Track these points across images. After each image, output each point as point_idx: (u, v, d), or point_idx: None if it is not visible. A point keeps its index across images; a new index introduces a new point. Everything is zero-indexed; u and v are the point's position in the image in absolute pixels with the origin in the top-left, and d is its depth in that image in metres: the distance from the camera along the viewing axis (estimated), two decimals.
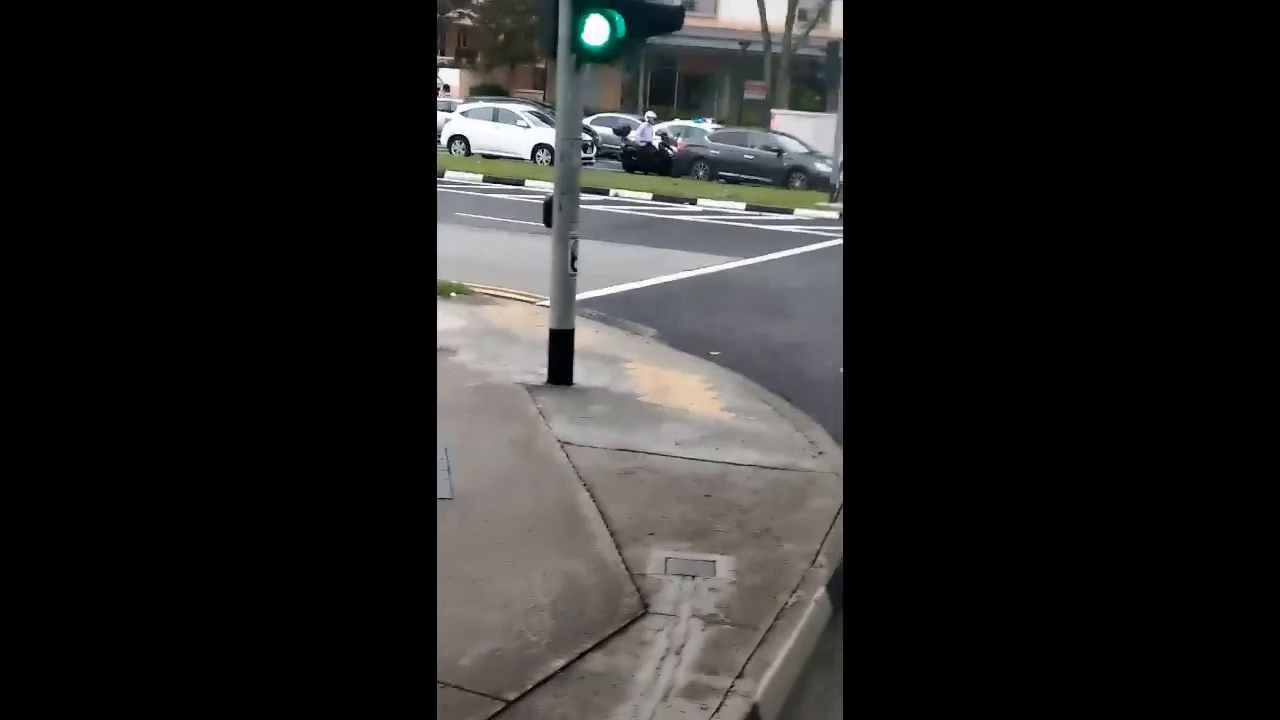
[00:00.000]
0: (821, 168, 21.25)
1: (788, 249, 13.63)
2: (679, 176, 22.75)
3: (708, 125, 25.97)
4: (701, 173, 23.04)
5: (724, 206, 18.26)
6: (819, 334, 8.29)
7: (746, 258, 12.41)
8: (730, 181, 22.53)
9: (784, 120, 27.46)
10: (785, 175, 22.53)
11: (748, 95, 44.35)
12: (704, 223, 16.00)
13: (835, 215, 18.08)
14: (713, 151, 23.28)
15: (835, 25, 47.57)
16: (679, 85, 49.79)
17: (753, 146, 23.33)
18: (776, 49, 35.58)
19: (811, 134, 26.26)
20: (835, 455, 5.18)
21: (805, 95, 42.98)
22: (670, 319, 8.42)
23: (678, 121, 27.22)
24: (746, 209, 18.23)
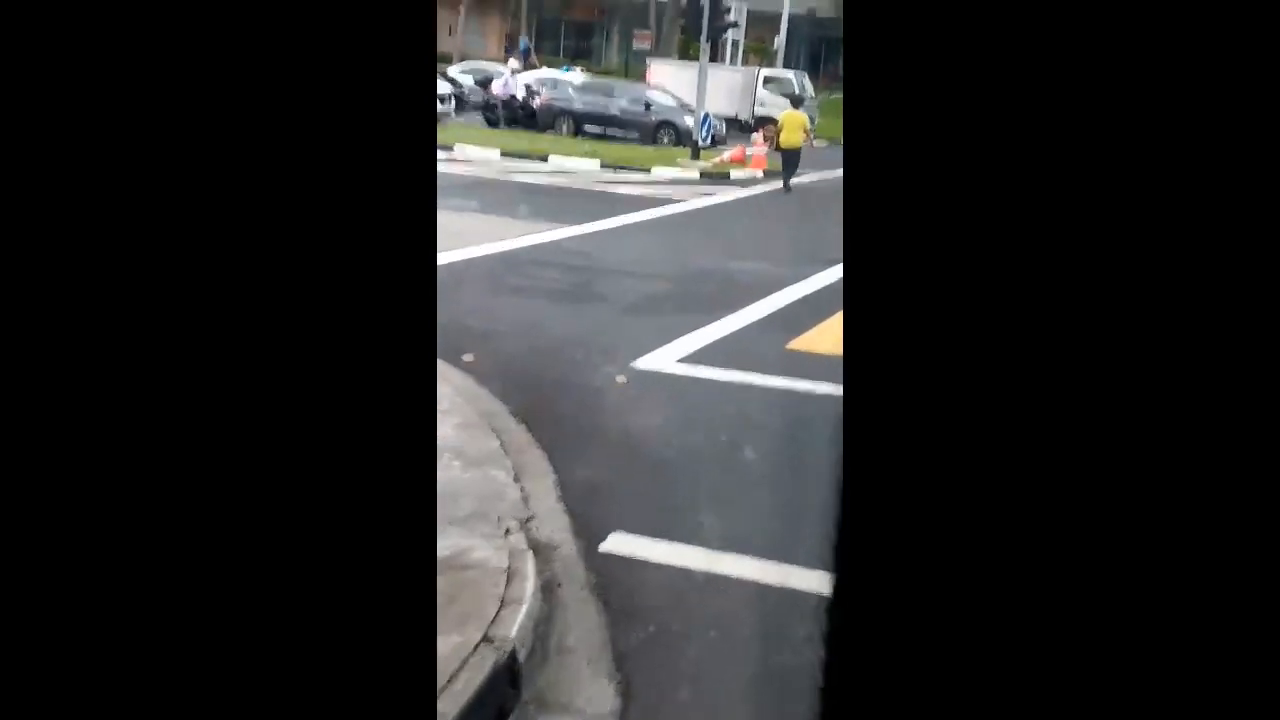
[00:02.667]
0: (690, 122, 19.92)
1: (632, 213, 12.32)
2: (544, 131, 21.22)
3: (576, 76, 24.35)
4: (565, 127, 21.52)
5: (577, 165, 16.83)
6: (610, 328, 6.99)
7: (580, 224, 11.07)
8: (599, 137, 21.10)
9: (662, 71, 25.99)
10: (653, 130, 21.15)
11: (636, 45, 42.80)
12: (547, 184, 14.56)
13: (695, 175, 16.81)
14: (577, 105, 21.72)
15: None
16: (565, 33, 47.92)
17: (620, 99, 21.85)
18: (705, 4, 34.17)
19: (690, 86, 24.97)
20: (542, 526, 3.90)
21: (694, 45, 41.69)
22: (440, 310, 7.05)
23: (545, 71, 25.51)
24: (601, 167, 16.84)
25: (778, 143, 16.47)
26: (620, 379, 5.86)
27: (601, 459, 4.72)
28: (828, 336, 7.08)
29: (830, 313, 7.78)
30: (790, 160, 16.00)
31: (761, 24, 37.38)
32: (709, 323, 7.21)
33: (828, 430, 5.20)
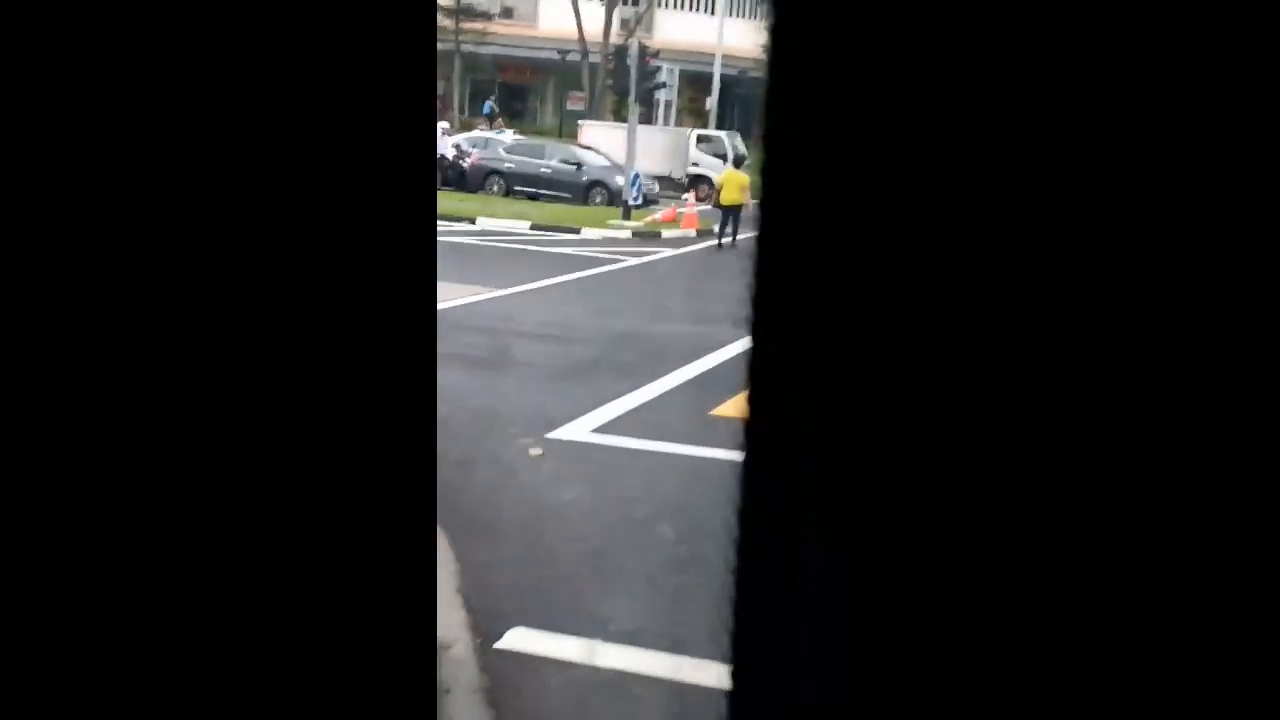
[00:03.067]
0: (622, 181, 19.84)
1: (559, 275, 12.09)
2: (474, 192, 21.00)
3: (507, 136, 24.24)
4: (496, 188, 21.32)
5: (506, 226, 16.61)
6: (526, 396, 6.69)
7: (505, 287, 10.80)
8: (531, 198, 20.92)
9: (594, 132, 26.00)
10: (585, 190, 21.03)
11: (569, 106, 43.01)
12: (472, 245, 14.29)
13: (627, 235, 16.66)
14: (508, 165, 21.55)
15: (658, 34, 46.97)
16: (499, 95, 48.02)
17: (551, 159, 21.73)
18: (596, 58, 34.23)
19: (622, 146, 25.00)
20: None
21: (628, 105, 42.02)
22: None
23: (477, 132, 25.39)
24: (531, 228, 16.63)
25: (718, 200, 16.52)
26: (534, 451, 5.56)
27: (507, 542, 4.39)
28: None
29: None
30: (730, 218, 16.07)
31: (695, 85, 37.77)
32: (632, 389, 6.95)
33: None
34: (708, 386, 7.20)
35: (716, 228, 16.28)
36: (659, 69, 17.54)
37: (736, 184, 16.67)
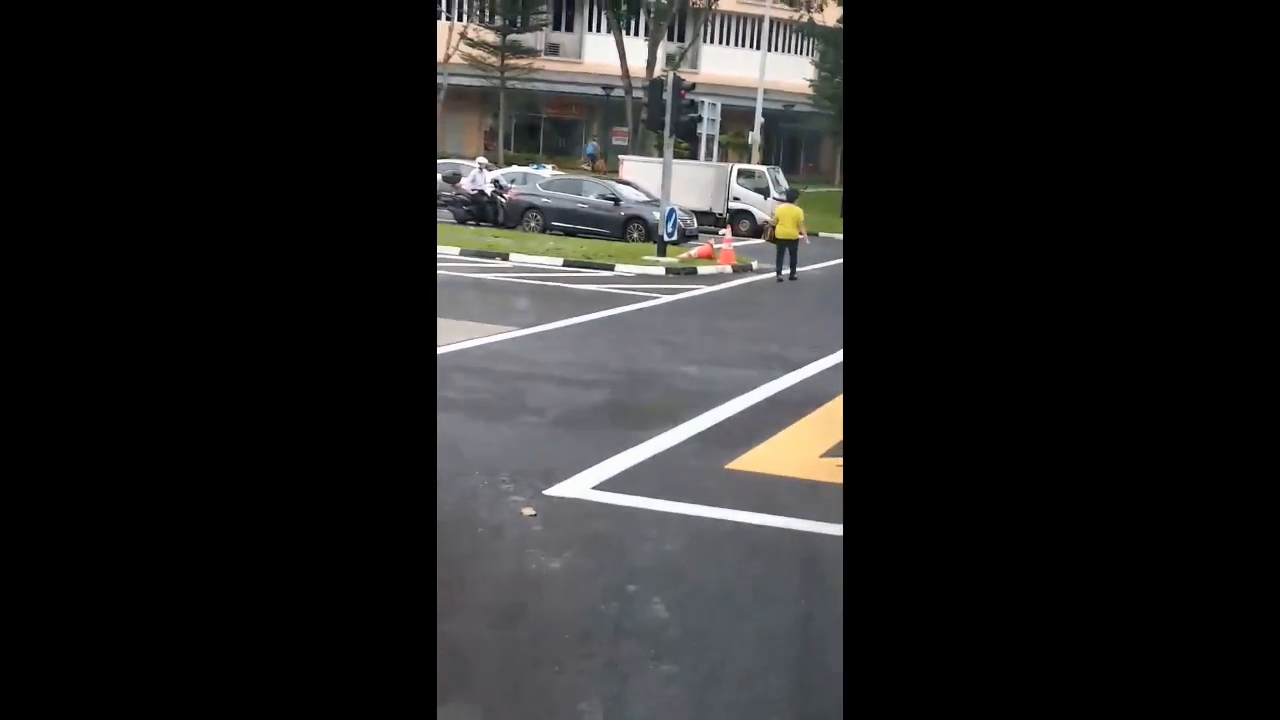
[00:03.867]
0: (658, 217, 19.46)
1: (587, 313, 11.67)
2: (512, 228, 20.75)
3: (546, 172, 24.02)
4: (534, 223, 21.06)
5: (539, 262, 16.27)
6: (530, 447, 6.23)
7: (529, 326, 10.41)
8: (568, 233, 20.61)
9: (634, 166, 25.73)
10: (622, 226, 20.68)
11: (615, 141, 42.85)
12: (503, 282, 13.95)
13: (660, 271, 16.24)
14: (545, 200, 21.30)
15: (704, 68, 46.79)
16: (544, 131, 48.06)
17: (588, 195, 21.43)
18: (639, 94, 34.04)
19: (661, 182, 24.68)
20: None
21: (674, 142, 41.78)
22: None
23: (515, 168, 25.21)
24: (564, 265, 16.27)
25: (772, 235, 16.75)
26: (527, 511, 5.10)
27: (479, 621, 3.92)
28: (774, 454, 6.33)
29: (783, 424, 7.06)
30: (786, 251, 16.39)
31: (740, 120, 37.41)
32: (645, 438, 6.47)
33: (760, 575, 4.42)
34: (726, 437, 6.71)
35: (774, 263, 16.33)
36: (696, 102, 17.14)
37: (792, 218, 16.74)
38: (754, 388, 8.25)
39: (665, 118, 16.64)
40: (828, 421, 7.24)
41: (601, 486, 5.50)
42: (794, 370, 9.10)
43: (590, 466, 5.80)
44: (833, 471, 5.99)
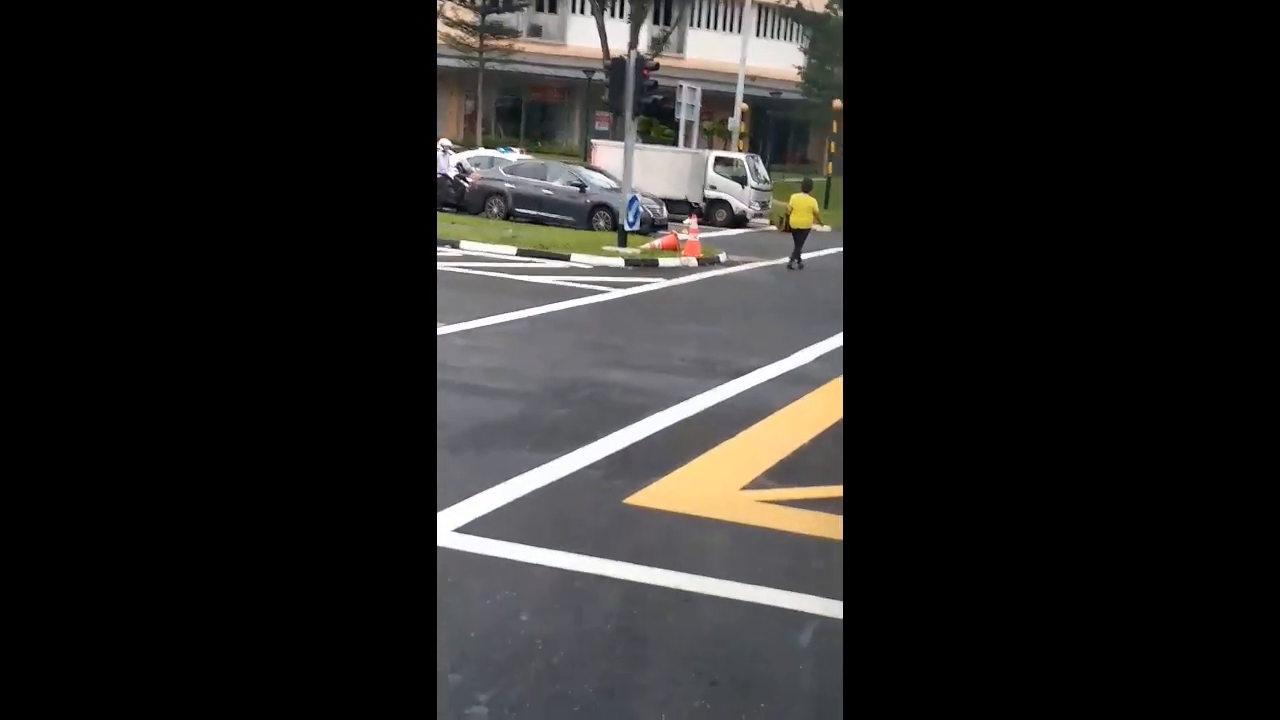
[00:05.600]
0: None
1: (527, 309, 10.77)
2: (475, 213, 19.80)
3: (513, 155, 23.05)
4: (497, 209, 20.11)
5: (492, 251, 15.34)
6: None
7: (456, 323, 9.49)
8: (533, 220, 19.68)
9: (606, 152, 24.73)
10: (588, 213, 19.75)
11: (598, 126, 41.83)
12: (448, 272, 12.99)
13: (619, 263, 15.32)
14: (509, 185, 20.33)
15: (690, 54, 45.73)
16: (526, 114, 46.93)
17: (553, 181, 20.47)
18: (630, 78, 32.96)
19: (638, 169, 23.71)
20: None
21: (657, 127, 40.75)
22: None
23: (482, 151, 24.22)
24: (518, 254, 15.34)
25: (787, 224, 16.90)
26: None
27: None
28: (687, 484, 5.44)
29: (710, 444, 6.17)
30: (799, 239, 16.64)
31: (726, 106, 36.41)
32: (544, 462, 5.59)
33: (628, 661, 3.53)
34: (640, 461, 5.82)
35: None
36: (654, 82, 16.18)
37: (806, 207, 16.72)
38: (688, 398, 7.37)
39: (627, 99, 15.67)
40: (759, 443, 6.36)
41: (466, 529, 4.60)
42: (738, 378, 8.21)
43: (464, 499, 4.92)
44: (751, 510, 5.11)
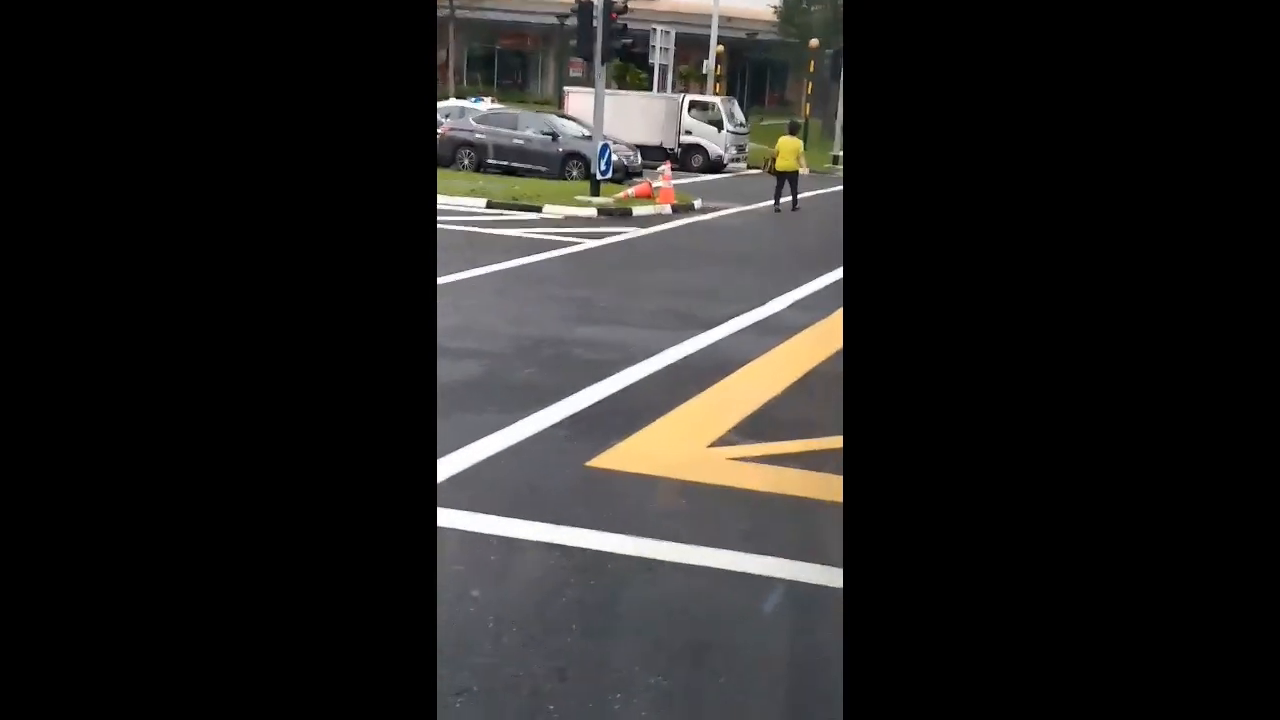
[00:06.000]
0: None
1: (495, 263, 10.53)
2: (446, 166, 19.42)
3: (483, 105, 22.60)
4: (467, 161, 19.73)
5: (460, 204, 15.02)
6: None
7: None
8: (506, 171, 19.33)
9: (579, 99, 24.29)
10: (561, 163, 19.40)
11: (572, 73, 41.14)
12: None
13: (592, 212, 15.04)
14: (479, 136, 19.93)
15: None
16: (499, 63, 46.12)
17: (525, 130, 20.07)
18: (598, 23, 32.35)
19: (611, 115, 23.31)
20: None
21: (632, 72, 40.12)
22: None
23: (452, 101, 23.74)
24: (488, 207, 15.04)
25: (773, 166, 17.00)
26: None
27: None
28: (652, 444, 5.26)
29: (678, 400, 5.98)
30: (786, 183, 16.77)
31: (702, 49, 35.82)
32: (505, 424, 5.39)
33: (589, 635, 3.36)
34: (605, 420, 5.63)
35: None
36: (624, 25, 15.78)
37: (792, 150, 16.77)
38: (657, 352, 7.17)
39: (596, 44, 15.28)
40: (728, 398, 6.18)
41: None
42: (709, 330, 8.01)
43: None
44: (719, 468, 4.93)
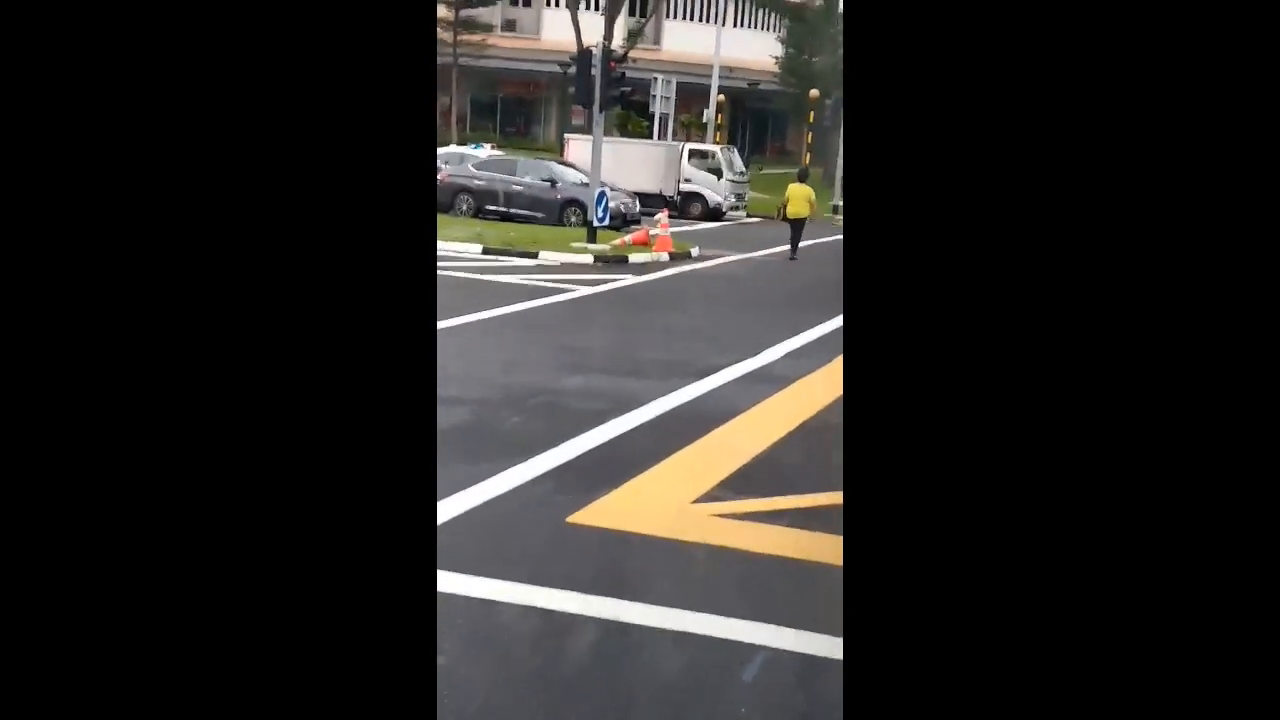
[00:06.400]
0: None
1: (488, 310, 10.41)
2: (444, 212, 19.40)
3: (483, 152, 22.65)
4: (465, 207, 19.72)
5: (456, 250, 14.96)
6: None
7: None
8: (504, 218, 19.31)
9: (579, 146, 24.35)
10: (559, 210, 19.38)
11: (575, 121, 41.40)
12: None
13: (589, 259, 14.96)
14: (478, 182, 19.94)
15: (666, 46, 45.30)
16: (502, 110, 46.42)
17: (523, 177, 20.08)
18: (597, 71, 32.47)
19: (612, 163, 23.33)
20: None
21: (633, 121, 40.33)
22: None
23: (453, 148, 23.79)
24: (483, 253, 14.97)
25: (783, 214, 17.46)
26: None
27: None
28: (635, 498, 5.10)
29: (666, 453, 5.83)
30: (796, 229, 17.22)
31: (703, 98, 36.02)
32: (486, 476, 5.24)
33: (562, 703, 3.18)
34: (590, 473, 5.48)
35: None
36: (622, 74, 15.81)
37: (803, 197, 17.17)
38: (648, 402, 7.03)
39: (594, 92, 15.30)
40: (717, 450, 6.02)
41: None
42: (702, 379, 7.87)
43: None
44: (704, 525, 4.77)
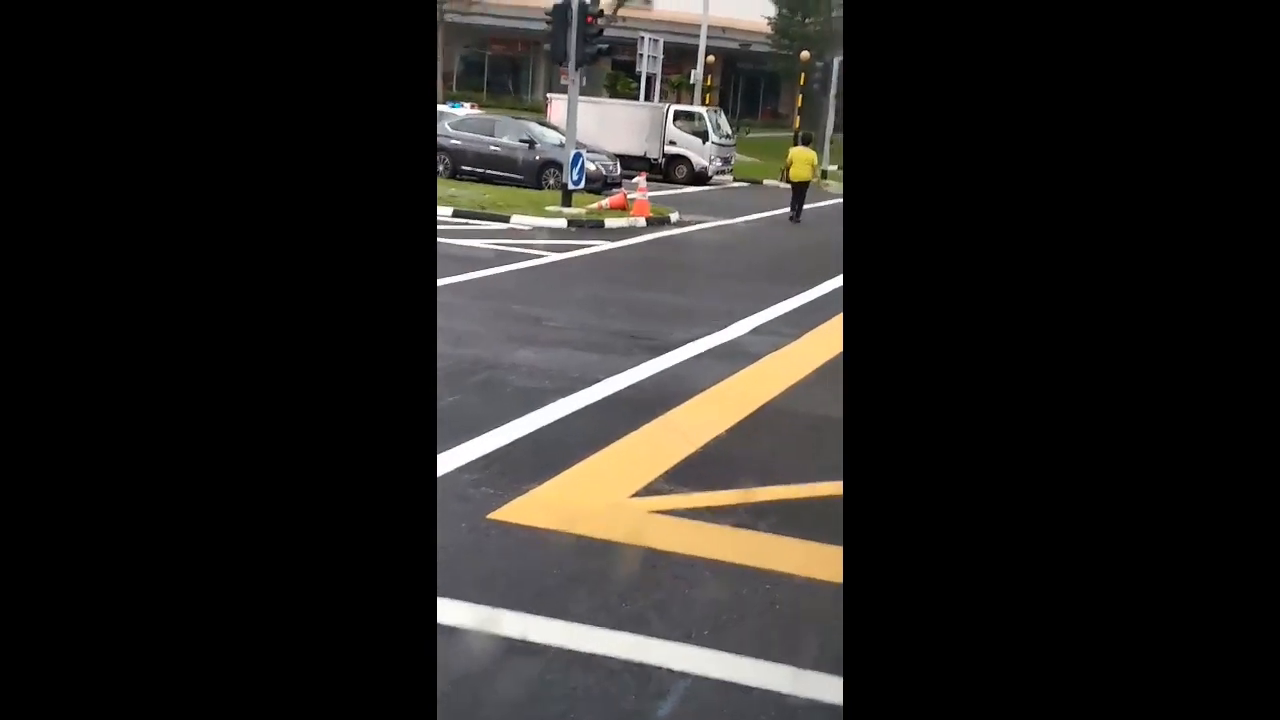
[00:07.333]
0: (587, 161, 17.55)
1: (448, 276, 9.90)
2: None
3: (461, 110, 22.02)
4: (442, 168, 19.12)
5: None
6: None
7: None
8: (481, 179, 18.74)
9: (562, 106, 23.70)
10: (538, 171, 18.82)
11: (563, 80, 40.66)
12: None
13: (562, 224, 14.44)
14: (454, 142, 19.33)
15: (658, 5, 44.40)
16: (489, 68, 45.53)
17: (501, 137, 19.49)
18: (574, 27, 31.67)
19: (596, 123, 22.72)
20: None
21: (622, 81, 39.57)
22: None
23: (442, 107, 23.13)
24: (454, 215, 14.44)
25: (787, 177, 17.23)
26: None
27: None
28: (567, 492, 4.65)
29: (611, 438, 5.38)
30: (798, 193, 16.95)
31: (692, 58, 35.27)
32: None
33: None
34: (523, 461, 5.03)
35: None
36: (600, 30, 15.21)
37: (805, 161, 16.93)
38: (601, 379, 6.57)
39: (570, 49, 14.70)
40: (666, 436, 5.57)
41: None
42: (662, 354, 7.42)
43: None
44: (637, 523, 4.33)
